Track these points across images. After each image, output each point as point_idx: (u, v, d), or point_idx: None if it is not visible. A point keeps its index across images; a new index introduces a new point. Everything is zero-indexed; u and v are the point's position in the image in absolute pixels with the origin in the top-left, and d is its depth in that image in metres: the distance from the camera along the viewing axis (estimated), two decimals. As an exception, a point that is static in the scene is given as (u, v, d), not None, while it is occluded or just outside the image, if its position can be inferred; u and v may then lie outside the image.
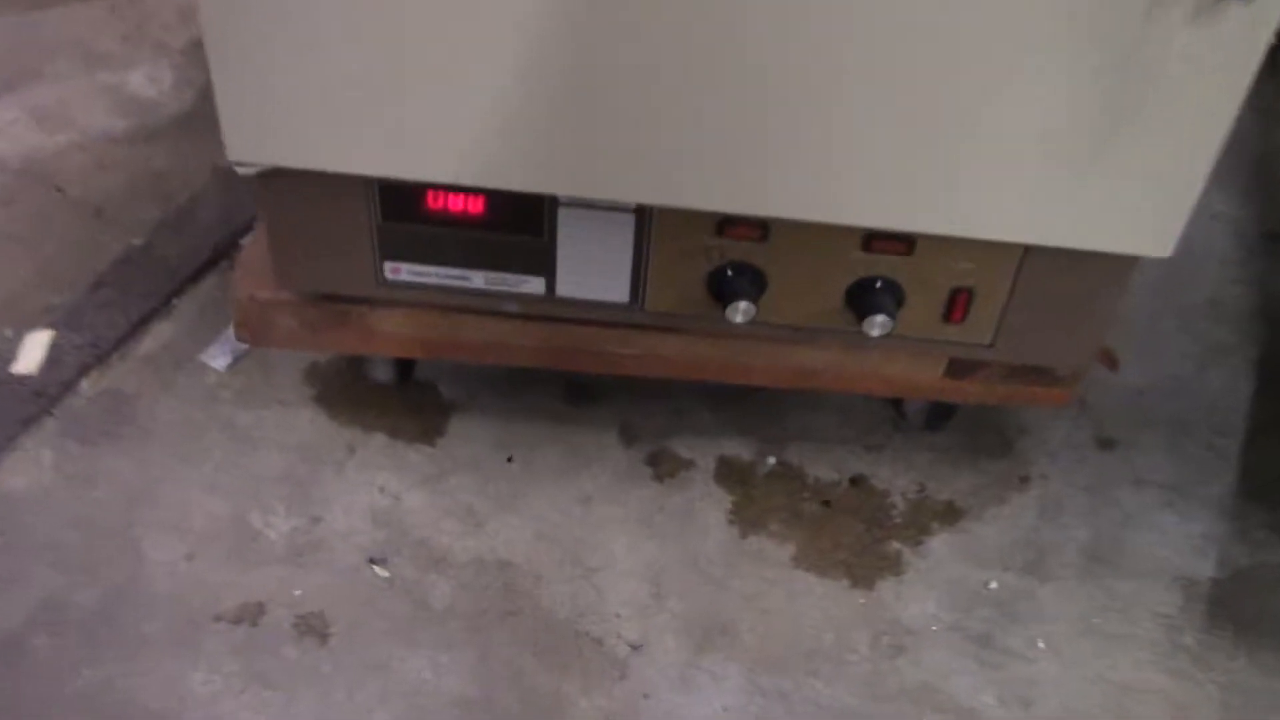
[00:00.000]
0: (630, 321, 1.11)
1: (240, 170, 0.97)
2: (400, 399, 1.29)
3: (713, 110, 0.89)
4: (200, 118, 1.54)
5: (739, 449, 1.27)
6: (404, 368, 1.28)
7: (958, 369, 1.15)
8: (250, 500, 1.19)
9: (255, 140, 0.95)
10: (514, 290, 1.08)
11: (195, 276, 1.38)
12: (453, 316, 1.12)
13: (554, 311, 1.10)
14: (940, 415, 1.31)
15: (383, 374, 1.27)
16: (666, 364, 1.15)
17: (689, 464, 1.26)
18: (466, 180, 0.96)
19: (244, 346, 1.31)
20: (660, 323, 1.11)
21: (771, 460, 1.27)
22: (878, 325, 1.03)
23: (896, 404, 1.33)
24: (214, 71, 0.91)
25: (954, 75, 0.86)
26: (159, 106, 1.55)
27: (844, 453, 1.28)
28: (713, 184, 0.95)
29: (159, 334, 1.33)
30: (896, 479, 1.27)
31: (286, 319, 1.14)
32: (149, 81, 1.57)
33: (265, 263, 1.11)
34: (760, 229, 1.01)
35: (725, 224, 1.01)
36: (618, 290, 1.07)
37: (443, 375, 1.32)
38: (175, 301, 1.36)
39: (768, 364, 1.15)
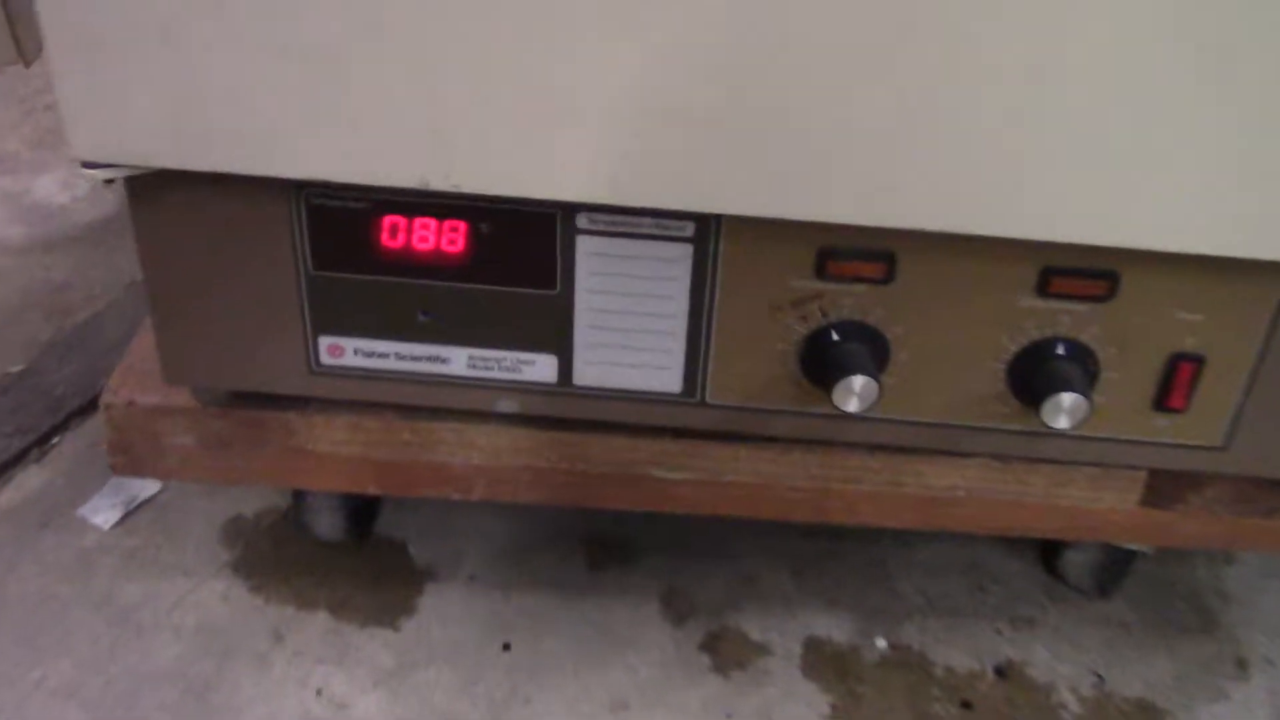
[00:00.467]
0: (684, 424, 0.75)
1: (100, 177, 0.63)
2: (353, 563, 0.92)
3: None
4: (118, 226, 1.22)
5: (833, 627, 0.89)
6: (359, 516, 0.91)
7: (1163, 491, 0.78)
8: (123, 713, 0.80)
9: (113, 127, 0.61)
10: (513, 377, 0.72)
11: (84, 411, 1.02)
12: (423, 425, 0.76)
13: (571, 410, 0.74)
14: (1114, 572, 0.93)
15: (328, 526, 0.90)
16: (735, 496, 0.79)
17: (763, 649, 0.88)
18: (455, 182, 0.62)
19: (137, 496, 0.95)
20: (728, 425, 0.75)
21: (881, 643, 0.89)
22: (1065, 411, 0.67)
23: (1050, 558, 0.95)
24: (44, 16, 0.58)
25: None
26: (67, 213, 1.24)
27: (982, 630, 0.90)
28: (820, 181, 0.61)
29: (25, 481, 0.97)
30: (1060, 666, 0.88)
31: (179, 435, 0.78)
32: (61, 187, 1.26)
33: (153, 357, 0.76)
34: (883, 264, 0.67)
35: (828, 259, 0.66)
36: (666, 374, 0.72)
37: (414, 528, 0.95)
38: (55, 440, 1.00)
39: (885, 490, 0.78)
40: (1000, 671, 0.88)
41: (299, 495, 0.89)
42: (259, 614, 0.88)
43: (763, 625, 0.90)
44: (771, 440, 0.77)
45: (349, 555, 0.93)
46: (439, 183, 0.62)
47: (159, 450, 0.79)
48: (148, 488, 0.96)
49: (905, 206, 0.62)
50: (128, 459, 0.79)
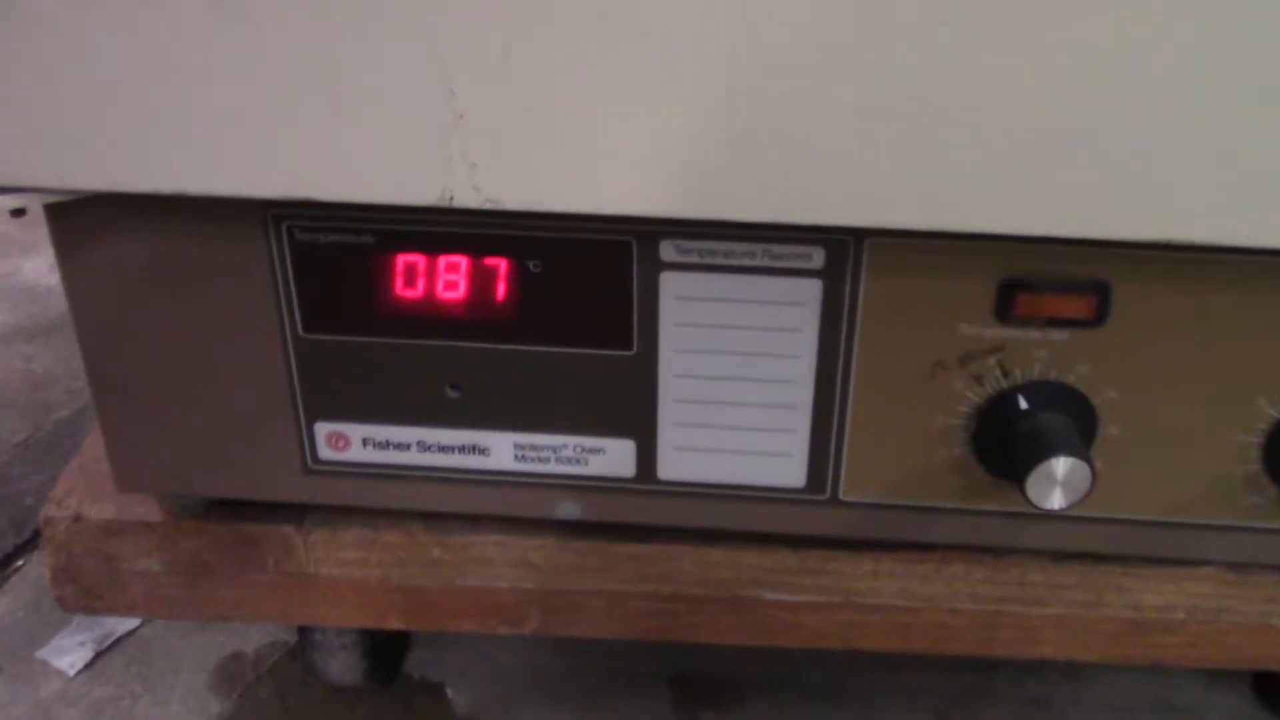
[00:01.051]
0: (809, 531, 0.55)
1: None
2: (377, 714, 0.72)
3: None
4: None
5: (999, 789, 0.68)
6: (382, 653, 0.72)
7: None
8: None
9: (22, 143, 0.44)
10: (576, 471, 0.53)
11: (59, 523, 0.83)
12: (458, 539, 0.57)
13: (655, 514, 0.55)
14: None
15: (343, 669, 0.70)
16: (874, 624, 0.59)
17: (910, 823, 0.66)
18: (490, 196, 0.43)
19: (113, 633, 0.76)
20: (867, 530, 0.55)
21: (1064, 810, 0.67)
22: (1362, 501, 0.46)
23: (1270, 689, 0.73)
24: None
25: None
26: (56, 297, 1.07)
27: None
28: (1011, 177, 0.42)
29: (-22, 615, 0.78)
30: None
31: (141, 559, 0.59)
32: (51, 268, 1.10)
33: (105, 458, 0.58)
34: (1092, 298, 0.47)
35: (1017, 293, 0.47)
36: (785, 463, 0.52)
37: (453, 666, 0.75)
38: (20, 563, 0.82)
39: (1077, 613, 0.58)
40: None
41: (305, 630, 0.70)
42: (256, 785, 0.68)
43: (905, 789, 0.69)
44: (924, 549, 0.57)
45: (372, 704, 0.73)
46: (467, 197, 0.44)
47: (117, 579, 0.60)
48: (126, 621, 0.78)
49: (1130, 211, 0.43)
50: (77, 591, 0.61)
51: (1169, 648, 0.59)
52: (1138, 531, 0.54)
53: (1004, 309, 0.48)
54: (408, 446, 0.54)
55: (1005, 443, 0.50)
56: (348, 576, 0.60)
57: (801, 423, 0.52)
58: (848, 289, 0.48)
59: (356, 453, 0.54)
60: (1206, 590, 0.57)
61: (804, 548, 0.57)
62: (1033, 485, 0.48)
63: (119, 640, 0.77)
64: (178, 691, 0.74)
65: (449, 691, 0.74)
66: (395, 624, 0.61)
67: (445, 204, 0.44)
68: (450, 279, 0.50)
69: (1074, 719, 0.73)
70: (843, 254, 0.47)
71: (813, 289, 0.48)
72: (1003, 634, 0.60)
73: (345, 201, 0.45)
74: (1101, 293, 0.47)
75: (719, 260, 0.48)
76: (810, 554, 0.57)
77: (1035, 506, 0.48)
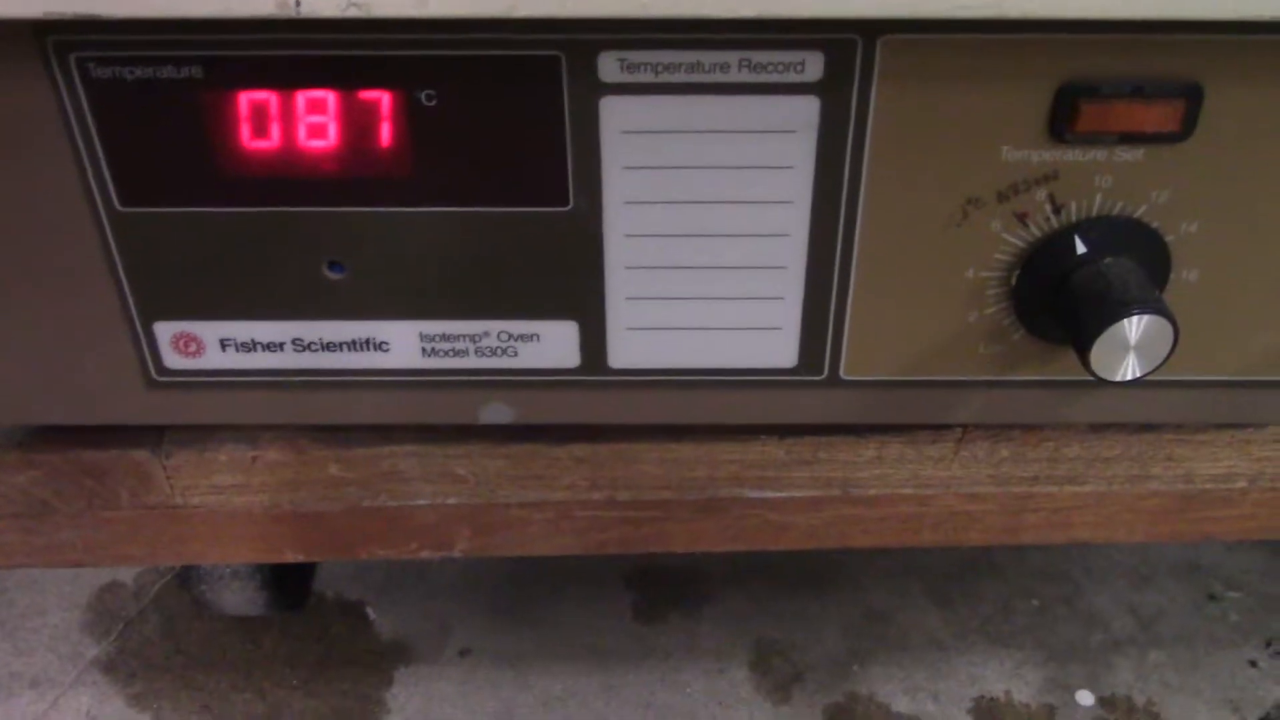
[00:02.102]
0: (802, 419, 0.43)
1: None
2: (286, 645, 0.61)
3: None
4: None
5: (1011, 678, 0.59)
6: (286, 577, 0.60)
7: None
8: None
9: None
10: (504, 365, 0.41)
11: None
12: (362, 452, 0.45)
13: (606, 410, 0.43)
14: None
15: (240, 601, 0.59)
16: (877, 519, 0.49)
17: (913, 725, 0.57)
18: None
19: (-41, 568, 0.63)
20: (874, 414, 0.44)
21: (1087, 698, 0.59)
22: None
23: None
24: None
25: None
26: None
27: (1229, 662, 0.60)
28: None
29: None
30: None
31: (-38, 502, 0.47)
32: None
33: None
34: (1182, 104, 0.35)
35: (1080, 99, 0.34)
36: (772, 338, 0.40)
37: (373, 581, 0.64)
38: None
39: (1118, 491, 0.48)
40: (1265, 726, 0.58)
41: (188, 559, 0.58)
42: (144, 743, 0.57)
43: (907, 686, 0.59)
44: (940, 428, 0.46)
45: (279, 634, 0.62)
46: (317, 4, 0.30)
47: (-68, 528, 0.48)
48: (-24, 554, 0.65)
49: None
50: (-120, 545, 0.48)
51: (1223, 521, 0.50)
52: (1206, 395, 0.44)
53: (1062, 124, 0.36)
54: (280, 346, 0.41)
55: (1057, 298, 0.39)
56: (225, 505, 0.48)
57: (793, 287, 0.40)
58: (854, 107, 0.36)
59: (214, 358, 0.42)
60: (1275, 454, 0.48)
61: (792, 436, 0.46)
62: (1099, 353, 0.37)
63: (-31, 578, 0.65)
64: (44, 635, 0.62)
65: (370, 612, 0.63)
66: (291, 557, 0.50)
67: (290, 14, 0.30)
68: (315, 122, 0.36)
69: (1090, 591, 0.64)
70: (847, 59, 0.35)
71: (807, 109, 0.36)
72: (1030, 519, 0.50)
73: (143, 18, 0.31)
74: (1191, 97, 0.35)
75: (679, 77, 0.35)
76: (800, 442, 0.47)
77: (1098, 376, 0.37)
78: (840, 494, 0.49)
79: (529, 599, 0.64)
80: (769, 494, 0.48)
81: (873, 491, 0.49)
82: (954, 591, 0.64)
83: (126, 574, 0.65)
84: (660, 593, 0.64)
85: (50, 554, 0.49)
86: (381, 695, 0.59)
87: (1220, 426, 0.47)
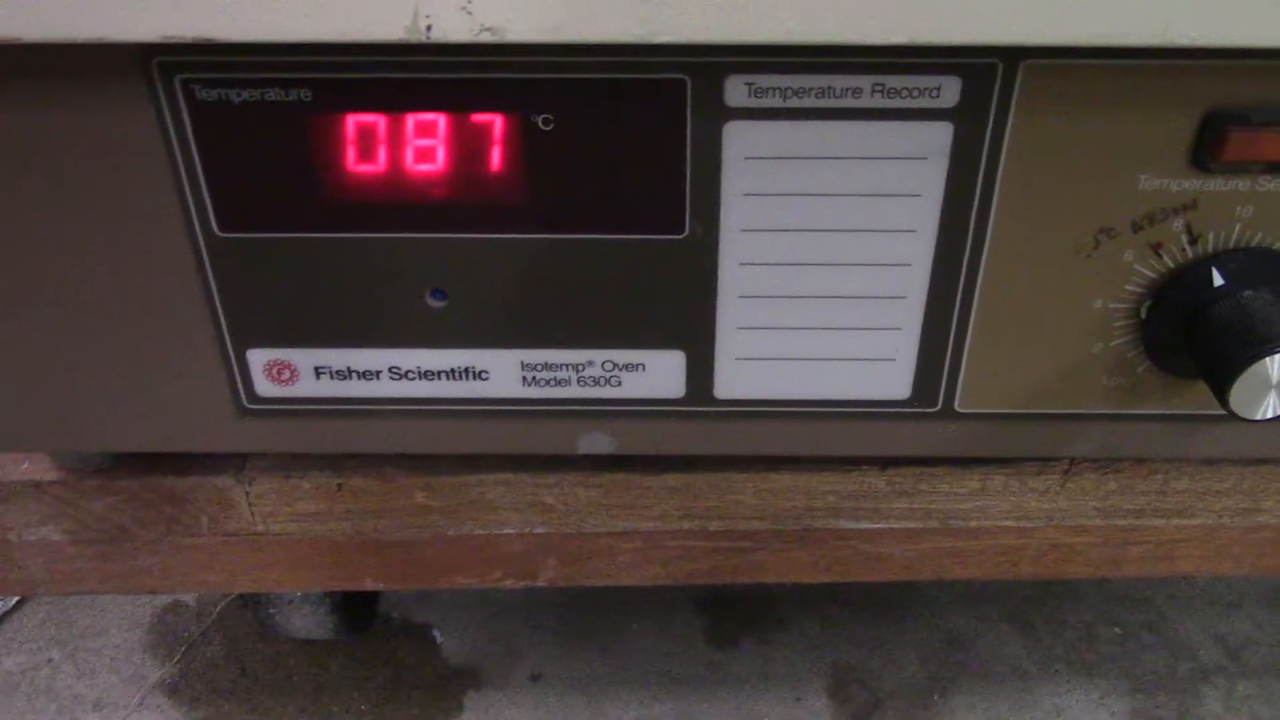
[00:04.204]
0: (915, 452, 0.42)
1: None
2: (352, 670, 0.59)
3: None
4: None
5: (1098, 708, 0.57)
6: (354, 599, 0.59)
7: None
8: None
9: None
10: (605, 394, 0.40)
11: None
12: (449, 480, 0.44)
13: (708, 444, 0.42)
14: None
15: (308, 624, 0.57)
16: (976, 552, 0.47)
17: (997, 757, 0.56)
18: (485, 21, 0.29)
19: (20, 587, 0.62)
20: (987, 448, 0.42)
21: (1174, 731, 0.57)
22: None
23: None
24: None
25: None
26: None
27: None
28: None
29: None
30: None
31: (35, 526, 0.45)
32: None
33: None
34: (1334, 132, 0.33)
35: (1229, 127, 0.33)
36: (887, 370, 0.39)
37: (440, 604, 0.63)
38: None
39: (1227, 524, 0.47)
40: (1359, 760, 0.56)
41: (257, 582, 0.57)
42: (212, 770, 0.56)
43: (990, 716, 0.58)
44: (1045, 459, 0.44)
45: (345, 658, 0.60)
46: (453, 26, 0.29)
47: (6, 554, 0.46)
48: (35, 571, 0.64)
49: None
50: (-45, 571, 0.47)
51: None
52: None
53: (1207, 152, 0.34)
54: (377, 375, 0.40)
55: (1191, 332, 0.37)
56: (308, 533, 0.47)
57: (911, 317, 0.38)
58: (989, 133, 0.34)
59: (308, 386, 0.40)
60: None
61: (893, 466, 0.45)
62: (1241, 390, 0.35)
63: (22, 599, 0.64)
64: (106, 656, 0.61)
65: (437, 635, 0.62)
66: (371, 586, 0.49)
67: (420, 38, 0.29)
68: (424, 146, 0.35)
69: (1174, 616, 0.62)
70: (986, 84, 0.33)
71: (940, 136, 0.34)
72: (1133, 552, 0.49)
73: (263, 42, 0.30)
74: (1347, 123, 0.34)
75: (808, 102, 0.34)
76: (902, 473, 0.45)
77: (1238, 415, 0.36)
78: (939, 525, 0.47)
79: (598, 621, 0.62)
80: (866, 525, 0.47)
81: (973, 523, 0.47)
82: (1035, 617, 0.63)
83: (189, 594, 0.64)
84: (732, 617, 0.62)
85: (124, 580, 0.48)
86: (451, 712, 0.58)
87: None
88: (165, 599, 0.63)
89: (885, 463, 0.45)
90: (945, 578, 0.49)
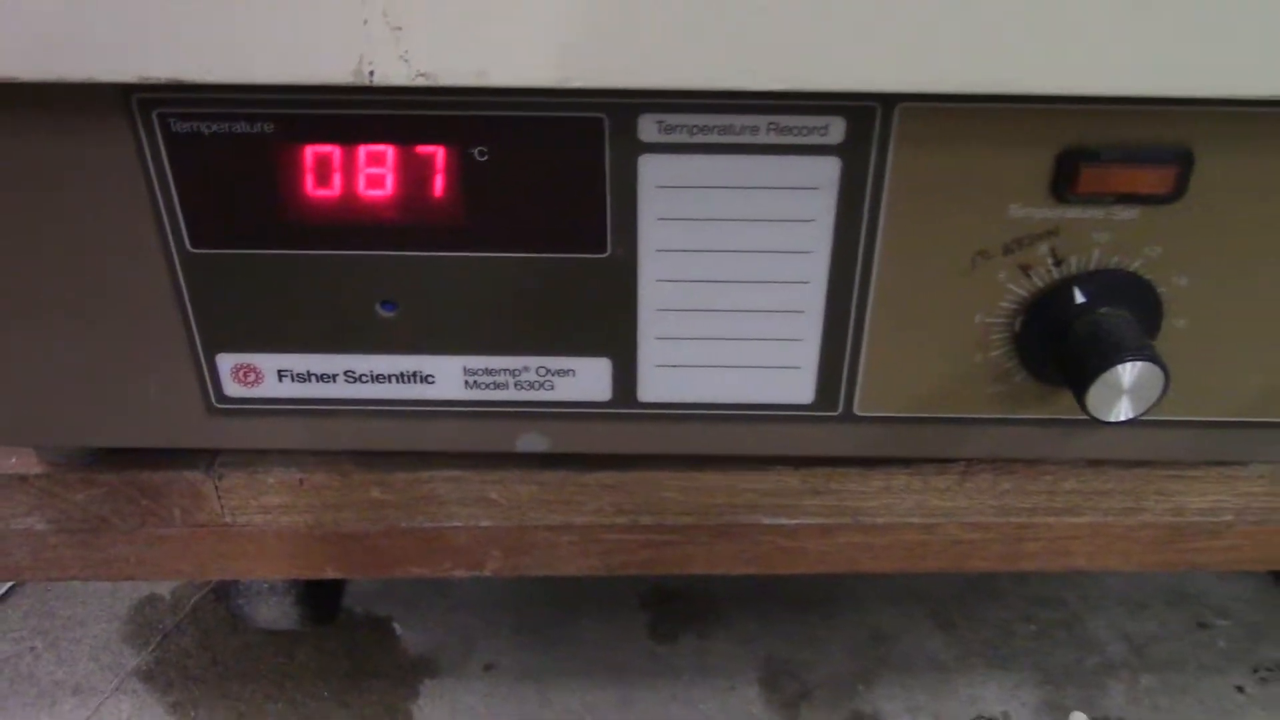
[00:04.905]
0: (820, 452, 0.47)
1: None
2: (316, 658, 0.63)
3: None
4: None
5: (1009, 700, 0.62)
6: (317, 592, 0.63)
7: None
8: None
9: None
10: (540, 397, 0.44)
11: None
12: (402, 476, 0.48)
13: (632, 443, 0.46)
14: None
15: (274, 613, 0.62)
16: (886, 546, 0.52)
17: (916, 743, 0.60)
18: (421, 68, 0.33)
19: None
20: (888, 448, 0.47)
21: (1080, 718, 0.61)
22: None
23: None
24: None
25: None
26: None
27: (1217, 687, 0.63)
28: (1067, 25, 0.33)
29: None
30: (1337, 734, 0.61)
31: (22, 517, 0.50)
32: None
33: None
34: (1173, 169, 0.38)
35: (1081, 164, 0.38)
36: (792, 377, 0.44)
37: (400, 598, 0.67)
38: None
39: (1111, 522, 0.51)
40: (1255, 746, 0.61)
41: (228, 574, 0.61)
42: (183, 750, 0.60)
43: (910, 705, 0.62)
44: (944, 460, 0.49)
45: (311, 647, 0.65)
46: (392, 72, 0.33)
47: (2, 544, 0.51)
48: (19, 566, 0.68)
49: (1217, 63, 0.34)
50: (-53, 558, 0.51)
51: (1212, 552, 0.53)
52: (1198, 434, 0.47)
53: (1063, 185, 0.39)
54: (333, 378, 0.44)
55: (1057, 344, 0.42)
56: (272, 525, 0.51)
57: (812, 329, 0.43)
58: (872, 167, 0.39)
59: (271, 387, 0.45)
60: (1260, 489, 0.51)
61: (806, 466, 0.49)
62: (1095, 395, 0.40)
63: (12, 589, 0.68)
64: (85, 645, 0.65)
65: (398, 627, 0.66)
66: (331, 574, 0.53)
67: (364, 82, 0.34)
68: (374, 173, 0.39)
69: (1087, 617, 0.67)
70: (867, 124, 0.38)
71: (829, 169, 0.39)
72: (1029, 548, 0.53)
73: (226, 83, 0.34)
74: (1182, 163, 0.38)
75: (712, 138, 0.38)
76: (814, 472, 0.50)
77: (1094, 417, 0.40)
78: (850, 522, 0.51)
79: (550, 617, 0.66)
80: (783, 521, 0.51)
81: (880, 520, 0.52)
82: (956, 615, 0.67)
83: (164, 587, 0.68)
84: (674, 613, 0.67)
85: (104, 568, 0.52)
86: (409, 707, 0.62)
87: (1208, 463, 0.50)
88: (142, 593, 0.67)
89: (798, 463, 0.49)
90: (858, 570, 0.53)
